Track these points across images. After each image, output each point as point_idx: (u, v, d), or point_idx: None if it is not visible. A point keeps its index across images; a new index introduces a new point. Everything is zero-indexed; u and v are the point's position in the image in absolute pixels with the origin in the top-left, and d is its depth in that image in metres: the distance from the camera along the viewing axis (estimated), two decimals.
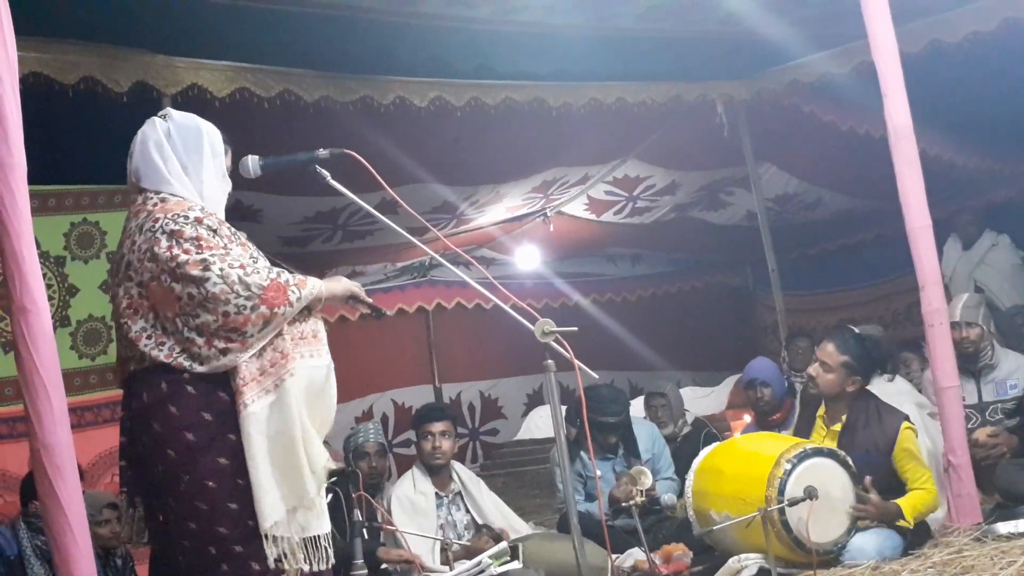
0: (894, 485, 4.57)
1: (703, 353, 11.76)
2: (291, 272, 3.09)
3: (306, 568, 2.96)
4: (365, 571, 4.62)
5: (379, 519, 5.17)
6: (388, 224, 3.56)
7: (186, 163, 3.12)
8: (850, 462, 4.42)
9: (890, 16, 4.92)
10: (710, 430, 6.62)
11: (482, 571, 3.86)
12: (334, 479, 5.30)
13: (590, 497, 5.63)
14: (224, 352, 2.90)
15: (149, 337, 2.95)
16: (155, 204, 3.05)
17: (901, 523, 4.45)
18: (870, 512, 4.37)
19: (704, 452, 5.04)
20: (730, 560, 4.42)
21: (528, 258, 10.22)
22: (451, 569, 4.34)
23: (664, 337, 11.52)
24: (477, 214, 8.49)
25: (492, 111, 6.11)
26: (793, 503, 4.18)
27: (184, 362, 2.91)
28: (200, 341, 2.90)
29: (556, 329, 3.27)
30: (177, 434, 2.91)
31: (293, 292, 2.97)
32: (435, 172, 6.95)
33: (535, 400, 10.96)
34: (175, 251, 2.91)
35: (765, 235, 7.90)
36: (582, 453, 5.64)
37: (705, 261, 12.11)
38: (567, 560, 3.82)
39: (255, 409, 2.91)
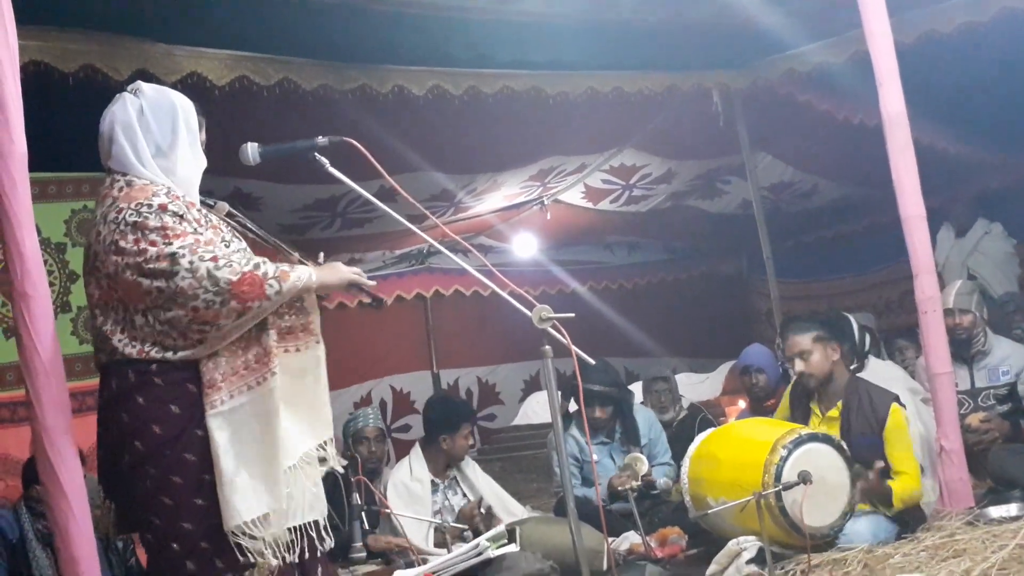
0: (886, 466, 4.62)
1: (698, 340, 11.78)
2: (288, 256, 3.02)
3: (275, 562, 2.82)
4: (364, 554, 4.65)
5: (377, 503, 5.18)
6: (387, 211, 3.54)
7: (160, 143, 2.96)
8: (845, 447, 4.43)
9: (885, 6, 4.92)
10: (705, 416, 6.63)
11: (479, 554, 3.86)
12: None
13: (587, 481, 5.64)
14: (201, 340, 2.79)
15: (123, 331, 2.82)
16: (120, 189, 2.89)
17: (883, 508, 4.48)
18: (866, 487, 4.39)
19: (699, 438, 5.05)
20: (730, 543, 4.43)
21: (525, 246, 10.22)
22: (448, 553, 4.35)
23: (660, 324, 11.53)
24: (475, 202, 8.49)
25: (490, 100, 6.10)
26: (788, 487, 4.19)
27: (156, 354, 2.79)
28: (174, 333, 2.79)
29: (553, 315, 3.27)
30: (144, 426, 2.79)
31: (271, 286, 2.80)
32: (433, 160, 6.94)
33: (532, 386, 10.98)
34: (142, 244, 2.76)
35: (760, 223, 7.90)
36: (578, 437, 5.65)
37: (701, 249, 12.11)
38: (564, 543, 3.84)
39: (224, 409, 2.80)
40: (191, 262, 2.73)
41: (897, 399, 4.72)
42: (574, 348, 3.29)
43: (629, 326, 10.96)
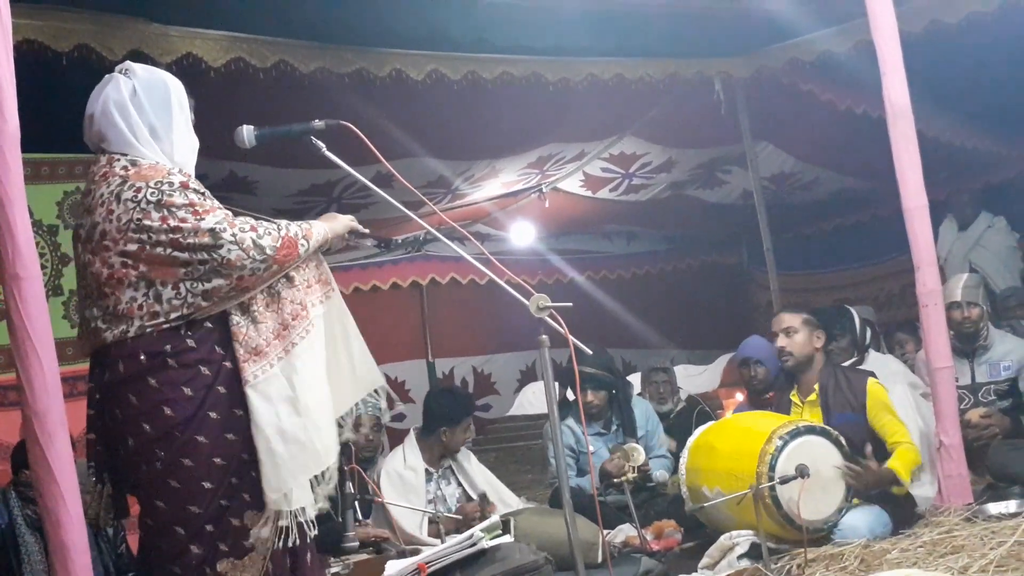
0: (880, 448, 4.64)
1: (697, 331, 11.80)
2: (291, 222, 3.03)
3: (280, 545, 2.87)
4: (357, 543, 4.64)
5: (371, 492, 5.19)
6: (384, 197, 3.54)
7: (155, 124, 2.97)
8: (842, 440, 4.46)
9: None
10: (703, 408, 6.64)
11: (473, 544, 3.87)
12: None
13: (582, 472, 5.65)
14: (226, 297, 2.86)
15: (140, 307, 2.81)
16: (125, 168, 2.89)
17: (896, 489, 4.50)
18: (864, 477, 4.41)
19: (700, 429, 5.07)
20: (722, 537, 4.45)
21: (523, 234, 10.22)
22: (442, 543, 4.35)
23: (658, 315, 11.55)
24: (472, 189, 8.48)
25: (489, 85, 6.09)
26: (784, 481, 4.21)
27: (181, 327, 2.83)
28: (207, 302, 2.83)
29: (551, 304, 3.27)
30: (155, 408, 2.80)
31: (303, 245, 2.97)
32: (430, 146, 6.94)
33: (528, 376, 10.99)
34: (171, 222, 2.78)
35: (761, 214, 7.89)
36: (575, 427, 5.65)
37: (700, 239, 12.11)
38: (558, 535, 3.85)
39: (265, 378, 2.86)
40: (234, 235, 2.82)
41: (872, 374, 4.84)
42: (571, 338, 3.29)
43: (627, 316, 10.98)
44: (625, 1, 6.13)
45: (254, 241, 2.83)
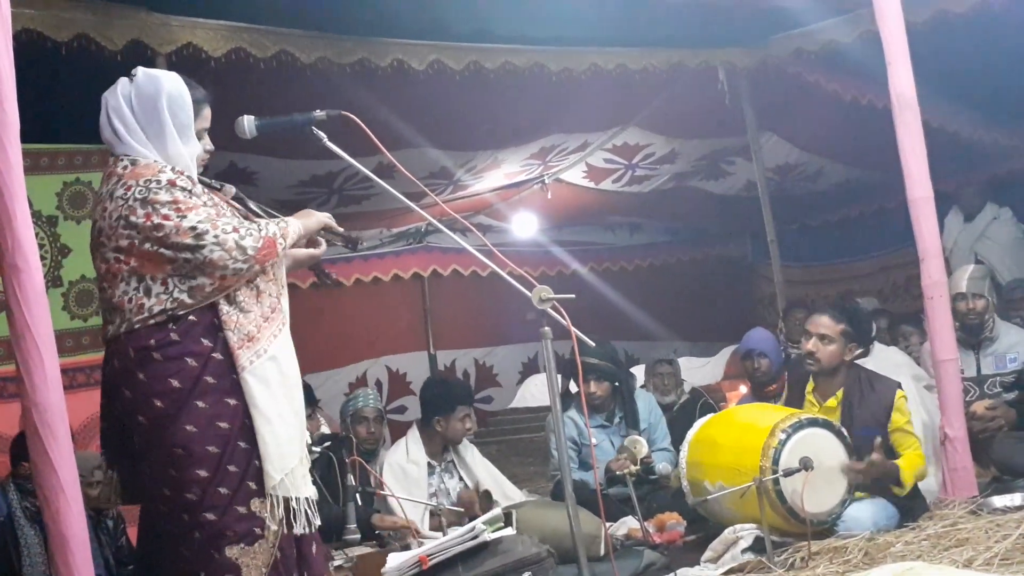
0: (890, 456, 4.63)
1: (700, 323, 11.77)
2: (270, 221, 3.12)
3: (289, 530, 2.99)
4: (359, 535, 4.66)
5: (372, 484, 5.20)
6: (385, 188, 3.54)
7: (146, 129, 3.06)
8: (845, 432, 4.45)
9: None
10: (706, 400, 6.65)
11: (475, 536, 3.88)
12: (327, 444, 5.36)
13: (584, 465, 5.66)
14: (209, 295, 2.97)
15: (130, 300, 2.95)
16: (125, 168, 3.03)
17: (896, 490, 4.49)
18: (868, 471, 4.40)
19: (699, 423, 5.07)
20: (726, 531, 4.46)
21: (525, 225, 10.20)
22: (443, 536, 4.37)
23: (661, 307, 11.52)
24: (474, 180, 8.47)
25: (491, 75, 6.08)
26: (788, 474, 4.22)
27: (166, 320, 2.93)
28: (189, 301, 2.95)
29: (553, 296, 3.28)
30: (147, 401, 2.92)
31: (281, 243, 3.06)
32: (432, 137, 6.92)
33: (530, 368, 10.98)
34: (154, 219, 2.91)
35: (765, 206, 7.88)
36: (577, 419, 5.66)
37: (704, 231, 12.09)
38: (561, 527, 3.86)
39: (260, 363, 2.97)
40: (216, 236, 2.91)
41: (899, 386, 4.74)
42: (574, 329, 3.30)
43: (630, 308, 10.95)
44: None
45: (236, 242, 2.93)
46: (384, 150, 3.31)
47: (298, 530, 3.01)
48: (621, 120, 8.00)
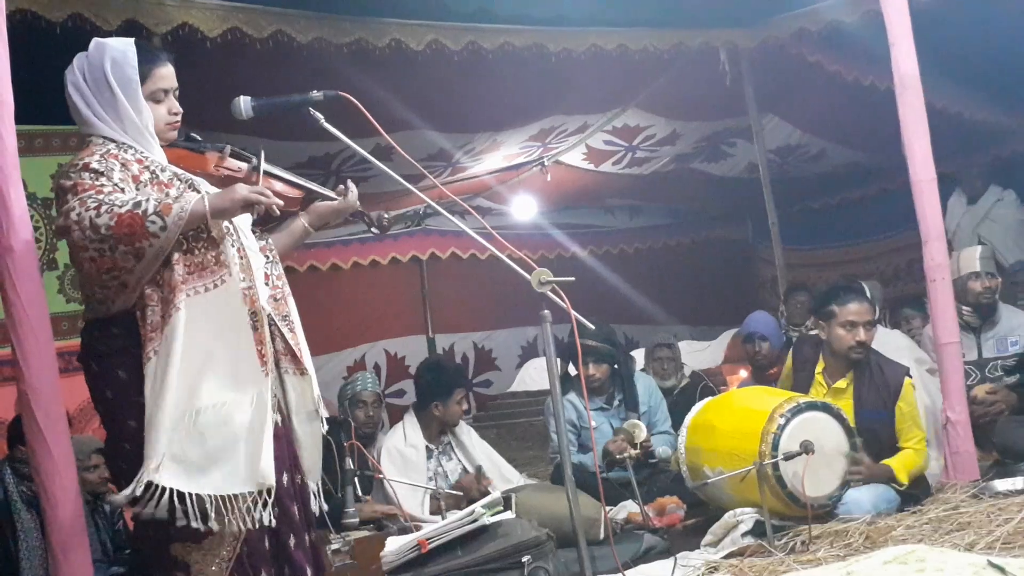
0: (893, 440, 4.64)
1: (701, 307, 11.80)
2: (152, 196, 2.85)
3: (245, 527, 2.82)
4: (356, 519, 4.67)
5: (371, 468, 5.21)
6: (384, 170, 3.53)
7: (99, 98, 2.96)
8: (844, 415, 4.46)
9: None
10: (707, 384, 6.66)
11: (474, 520, 3.89)
12: (325, 428, 5.36)
13: (583, 448, 5.67)
14: (122, 286, 2.81)
15: (72, 296, 2.96)
16: (82, 149, 2.96)
17: (894, 485, 4.51)
18: (863, 473, 4.44)
19: (696, 408, 5.07)
20: (726, 515, 4.47)
21: (524, 208, 10.20)
22: (443, 519, 4.38)
23: (661, 290, 11.55)
24: (473, 163, 8.47)
25: (490, 56, 6.07)
26: (789, 457, 4.23)
27: (101, 313, 2.88)
28: (96, 287, 2.84)
29: (553, 279, 3.28)
30: (101, 391, 2.91)
31: (153, 222, 2.73)
32: (430, 119, 6.91)
33: (529, 352, 11.00)
34: (58, 206, 2.85)
35: (766, 188, 7.88)
36: (576, 402, 5.67)
37: (704, 214, 12.10)
38: (560, 511, 3.87)
39: (152, 356, 2.79)
40: (79, 214, 2.73)
41: (908, 372, 4.75)
42: (573, 312, 3.30)
43: (630, 291, 10.96)
44: None
45: (91, 220, 2.71)
46: (382, 131, 3.29)
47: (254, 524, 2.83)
48: (621, 101, 7.99)
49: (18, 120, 3.19)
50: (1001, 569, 2.46)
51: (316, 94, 3.26)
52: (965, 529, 3.88)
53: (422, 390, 5.67)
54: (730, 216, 12.09)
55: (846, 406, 4.64)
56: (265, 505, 2.83)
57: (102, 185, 2.80)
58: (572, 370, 5.77)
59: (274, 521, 2.87)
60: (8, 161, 3.12)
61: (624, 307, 11.01)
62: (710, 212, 12.01)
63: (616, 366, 5.77)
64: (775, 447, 4.28)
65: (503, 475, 5.58)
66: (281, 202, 3.01)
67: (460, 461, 5.59)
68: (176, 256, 2.83)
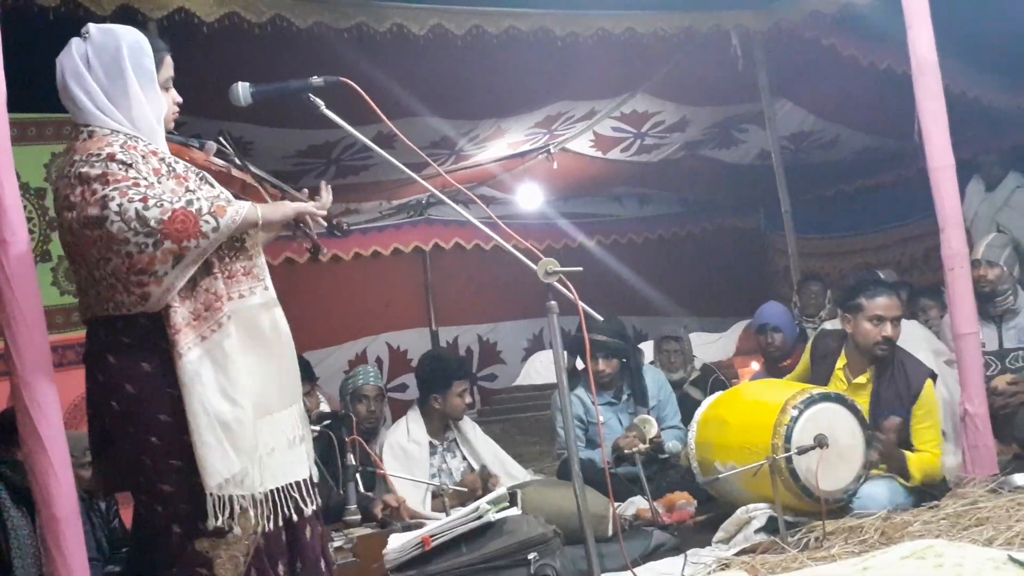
0: (908, 443, 4.64)
1: (712, 298, 11.79)
2: (219, 197, 2.92)
3: (269, 525, 2.87)
4: (359, 516, 4.68)
5: (372, 464, 5.22)
6: (386, 158, 3.53)
7: (108, 90, 2.90)
8: (858, 407, 4.45)
9: None
10: (718, 377, 6.66)
11: (479, 517, 3.90)
12: (327, 423, 5.37)
13: (591, 443, 5.67)
14: (144, 297, 2.75)
15: (86, 290, 2.86)
16: (82, 142, 2.88)
17: (902, 481, 4.50)
18: (880, 449, 4.43)
19: (707, 401, 5.07)
20: (738, 511, 4.47)
21: (530, 197, 10.20)
22: (446, 516, 4.38)
23: (671, 280, 11.54)
24: (477, 150, 8.46)
25: (494, 40, 6.06)
26: (802, 451, 4.22)
27: (112, 311, 2.80)
28: (119, 287, 2.76)
29: (560, 269, 3.27)
30: (118, 385, 2.82)
31: (207, 222, 2.75)
32: (433, 105, 6.91)
33: (535, 345, 11.00)
34: (83, 195, 2.75)
35: (779, 175, 7.87)
36: (584, 397, 5.67)
37: (716, 202, 12.08)
38: (567, 507, 3.86)
39: (191, 358, 2.77)
40: (120, 204, 2.70)
41: (932, 374, 4.72)
42: (581, 304, 3.30)
43: (639, 282, 10.97)
44: None
45: (137, 212, 2.68)
46: (384, 118, 3.29)
47: (266, 525, 2.88)
48: (629, 87, 7.98)
49: (10, 108, 3.19)
50: (1022, 564, 2.46)
51: (316, 80, 3.25)
52: (983, 525, 3.87)
53: (422, 384, 5.67)
54: (742, 204, 12.07)
55: (863, 403, 4.62)
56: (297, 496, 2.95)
57: (136, 177, 2.77)
58: (580, 364, 5.77)
59: (295, 515, 2.94)
60: (1, 151, 3.13)
61: (633, 298, 11.01)
62: (721, 200, 11.99)
63: (625, 360, 5.77)
64: (788, 439, 4.28)
65: (508, 472, 5.58)
66: (325, 212, 3.11)
67: (465, 458, 5.59)
68: (215, 263, 2.85)
